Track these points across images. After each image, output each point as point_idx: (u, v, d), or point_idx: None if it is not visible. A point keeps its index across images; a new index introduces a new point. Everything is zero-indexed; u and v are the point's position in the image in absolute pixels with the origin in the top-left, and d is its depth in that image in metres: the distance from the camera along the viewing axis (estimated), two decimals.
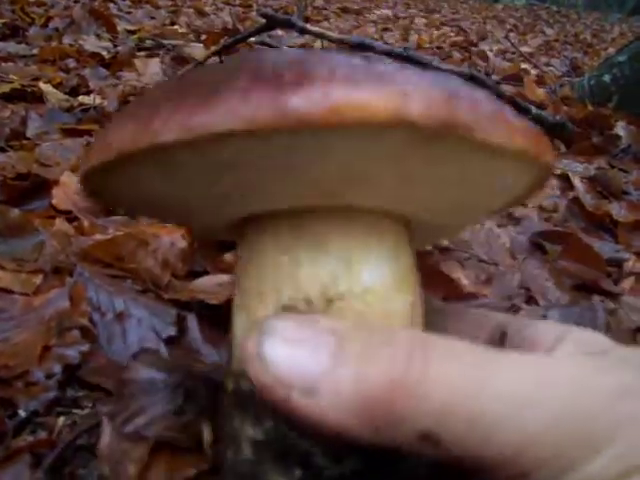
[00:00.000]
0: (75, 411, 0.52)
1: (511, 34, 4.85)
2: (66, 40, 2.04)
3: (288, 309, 0.32)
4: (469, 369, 0.26)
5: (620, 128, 1.57)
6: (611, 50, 4.11)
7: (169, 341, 0.60)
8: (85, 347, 0.57)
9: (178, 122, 0.25)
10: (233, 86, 0.26)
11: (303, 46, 2.40)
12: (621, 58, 1.98)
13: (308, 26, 1.49)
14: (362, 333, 0.27)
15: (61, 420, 0.51)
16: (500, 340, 0.37)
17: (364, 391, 0.25)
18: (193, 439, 0.47)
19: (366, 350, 0.26)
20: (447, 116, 0.25)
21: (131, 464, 0.45)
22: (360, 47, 1.54)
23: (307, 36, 2.61)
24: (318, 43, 2.56)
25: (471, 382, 0.26)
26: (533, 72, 2.84)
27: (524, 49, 4.01)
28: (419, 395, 0.25)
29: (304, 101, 0.24)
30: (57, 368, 0.54)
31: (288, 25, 1.55)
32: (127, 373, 0.53)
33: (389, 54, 1.47)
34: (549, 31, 6.22)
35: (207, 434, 0.47)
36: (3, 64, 1.61)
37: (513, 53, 3.83)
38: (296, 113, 0.24)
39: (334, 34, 1.51)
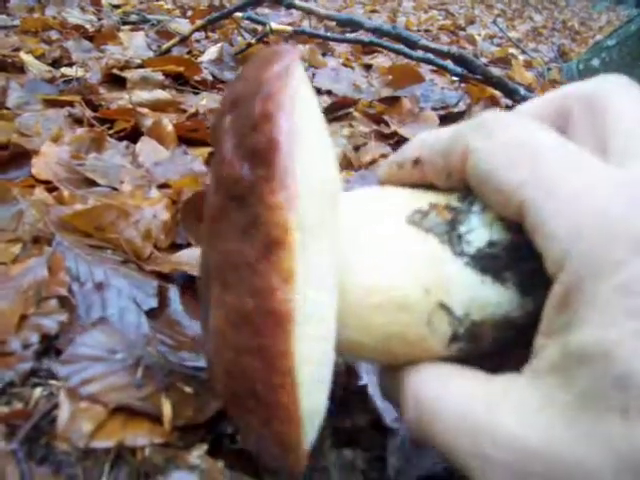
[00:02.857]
0: (52, 382, 0.50)
1: (499, 19, 4.84)
2: (49, 12, 2.01)
3: None
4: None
5: None
6: (599, 38, 4.11)
7: (150, 312, 0.59)
8: (63, 317, 0.55)
9: None
10: None
11: (290, 24, 2.36)
12: (610, 42, 1.97)
13: (296, 1, 1.47)
14: None
15: (37, 391, 0.49)
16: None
17: None
18: (151, 411, 0.46)
19: None
20: None
21: (86, 422, 0.44)
22: (349, 24, 1.52)
23: (295, 13, 2.59)
24: (305, 22, 2.53)
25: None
26: (521, 57, 2.82)
27: (512, 34, 4.00)
28: None
29: None
30: (34, 338, 0.53)
31: (275, 0, 1.53)
32: (84, 337, 0.52)
33: (378, 31, 1.46)
34: (537, 17, 6.22)
35: (168, 409, 0.46)
36: None
37: (501, 38, 3.82)
38: None
39: (322, 10, 1.49)
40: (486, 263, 0.34)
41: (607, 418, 0.25)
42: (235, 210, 0.29)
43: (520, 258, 0.34)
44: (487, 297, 0.34)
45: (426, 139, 0.38)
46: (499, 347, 0.35)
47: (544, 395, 0.27)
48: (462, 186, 0.35)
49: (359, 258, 0.34)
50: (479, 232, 0.34)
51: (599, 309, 0.26)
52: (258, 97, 0.29)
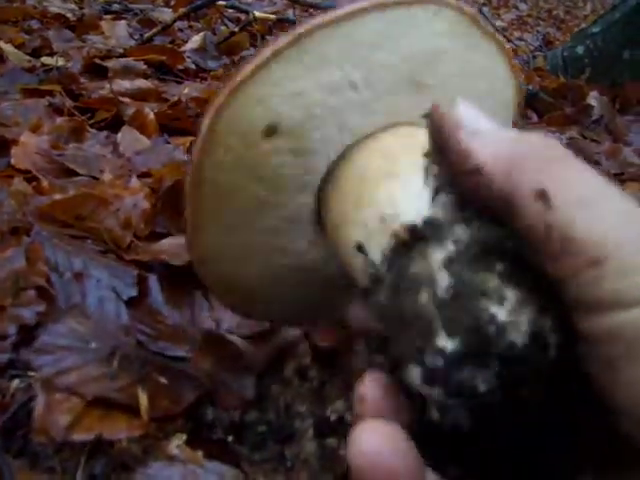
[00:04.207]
0: (30, 374, 0.50)
1: (484, 8, 4.82)
2: (29, 1, 1.98)
3: None
4: None
5: (592, 99, 1.57)
6: (584, 26, 4.12)
7: (130, 302, 0.58)
8: (41, 307, 0.55)
9: None
10: None
11: (274, 13, 2.34)
12: (594, 30, 1.98)
13: None
14: None
15: (15, 383, 0.49)
16: None
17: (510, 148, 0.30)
18: (127, 402, 0.46)
19: None
20: None
21: (63, 415, 0.44)
22: None
23: (279, 1, 2.57)
24: (289, 10, 2.52)
25: None
26: (506, 46, 2.82)
27: (497, 23, 4.00)
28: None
29: None
30: (12, 329, 0.52)
31: None
32: (58, 326, 0.51)
33: None
34: (522, 6, 6.21)
35: (144, 400, 0.45)
36: None
37: None
38: None
39: None
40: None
41: None
42: None
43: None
44: None
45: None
46: None
47: None
48: None
49: None
50: None
51: None
52: None
